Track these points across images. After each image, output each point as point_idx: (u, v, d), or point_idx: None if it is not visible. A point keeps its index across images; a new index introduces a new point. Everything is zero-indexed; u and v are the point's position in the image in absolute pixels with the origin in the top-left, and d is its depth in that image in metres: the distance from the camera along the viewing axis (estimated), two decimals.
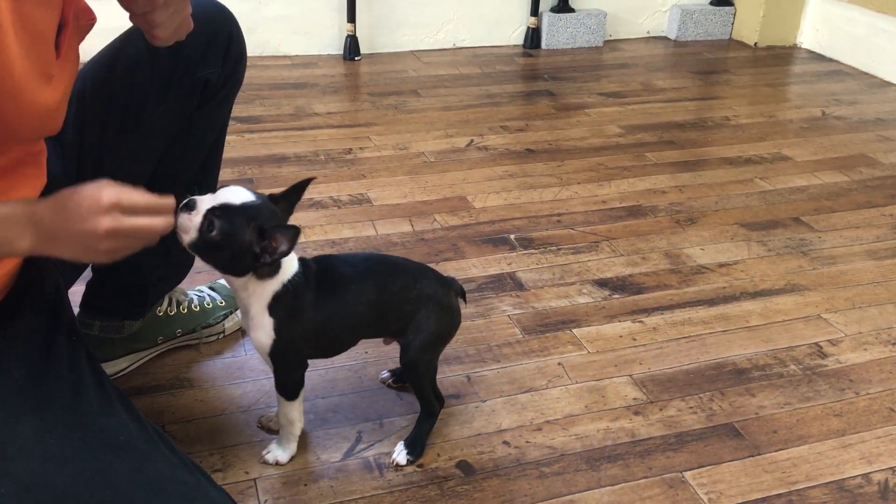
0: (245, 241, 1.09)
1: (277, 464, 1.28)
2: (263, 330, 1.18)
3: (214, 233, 1.08)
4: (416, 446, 1.30)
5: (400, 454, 1.29)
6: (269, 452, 1.29)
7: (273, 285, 1.17)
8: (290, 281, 1.18)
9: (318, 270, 1.23)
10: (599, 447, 1.34)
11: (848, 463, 1.33)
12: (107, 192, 0.90)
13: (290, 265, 1.19)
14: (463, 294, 1.33)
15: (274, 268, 1.16)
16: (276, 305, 1.17)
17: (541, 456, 1.31)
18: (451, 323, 1.30)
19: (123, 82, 1.23)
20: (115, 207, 0.89)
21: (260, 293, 1.17)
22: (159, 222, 0.94)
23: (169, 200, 0.96)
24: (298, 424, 1.28)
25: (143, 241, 0.95)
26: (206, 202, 1.10)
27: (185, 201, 1.10)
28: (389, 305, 1.25)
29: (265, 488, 1.23)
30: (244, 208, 1.10)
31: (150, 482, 0.88)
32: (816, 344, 1.62)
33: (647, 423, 1.39)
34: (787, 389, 1.49)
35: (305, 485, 1.24)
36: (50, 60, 0.92)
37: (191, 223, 1.09)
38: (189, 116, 1.29)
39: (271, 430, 1.34)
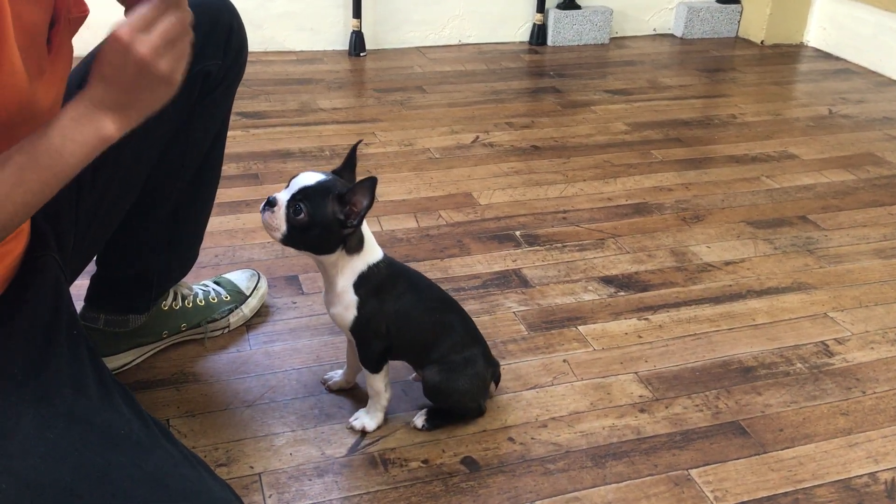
0: (329, 213, 1.16)
1: (364, 431, 1.32)
2: (345, 306, 1.25)
3: (302, 216, 1.15)
4: (436, 420, 1.34)
5: (419, 418, 1.35)
6: (356, 419, 1.33)
7: (360, 264, 1.24)
8: (375, 264, 1.25)
9: (400, 268, 1.30)
10: (605, 444, 1.33)
11: (854, 462, 1.32)
12: (117, 30, 0.86)
13: (374, 249, 1.25)
14: (497, 380, 1.39)
15: (359, 242, 1.23)
16: (361, 284, 1.24)
17: (546, 453, 1.31)
18: (478, 393, 1.35)
19: None
20: (134, 32, 0.86)
21: (348, 270, 1.23)
22: (181, 14, 0.89)
23: None
24: (385, 395, 1.32)
25: (185, 36, 0.90)
26: (283, 195, 1.17)
27: (264, 201, 1.17)
28: (440, 342, 1.30)
29: (270, 483, 1.23)
30: (320, 185, 1.17)
31: (151, 477, 0.87)
32: (823, 342, 1.61)
33: (652, 421, 1.39)
34: (793, 388, 1.48)
35: (310, 480, 1.24)
36: (42, 56, 0.90)
37: (277, 218, 1.16)
38: (189, 110, 1.29)
39: (331, 389, 1.42)
